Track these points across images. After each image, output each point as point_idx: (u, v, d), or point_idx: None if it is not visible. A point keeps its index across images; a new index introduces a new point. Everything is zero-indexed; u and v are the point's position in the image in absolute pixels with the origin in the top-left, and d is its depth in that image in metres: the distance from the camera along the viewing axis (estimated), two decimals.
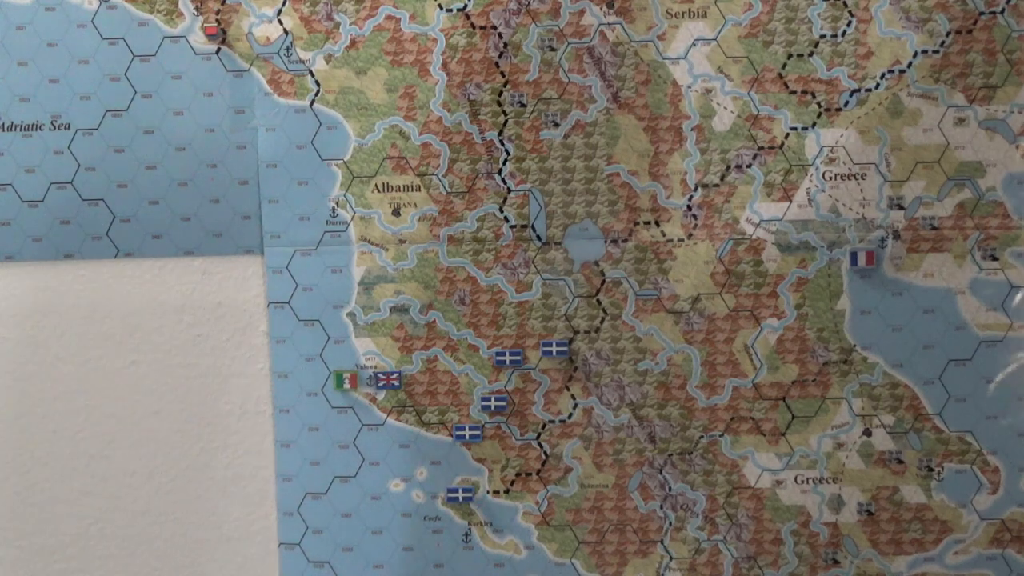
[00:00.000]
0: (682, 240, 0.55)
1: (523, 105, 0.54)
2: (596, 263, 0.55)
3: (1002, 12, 0.53)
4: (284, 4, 0.54)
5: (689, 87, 0.54)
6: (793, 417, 0.55)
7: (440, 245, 0.55)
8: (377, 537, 0.56)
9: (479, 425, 0.56)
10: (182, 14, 0.54)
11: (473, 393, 0.56)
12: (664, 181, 0.54)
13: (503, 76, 0.54)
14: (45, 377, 0.57)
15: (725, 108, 0.54)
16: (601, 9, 0.54)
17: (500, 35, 0.54)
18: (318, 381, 0.56)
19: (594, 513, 0.56)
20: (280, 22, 0.54)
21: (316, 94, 0.55)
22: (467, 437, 0.56)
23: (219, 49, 0.54)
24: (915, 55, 0.53)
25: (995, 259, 0.54)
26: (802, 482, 0.55)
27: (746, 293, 0.55)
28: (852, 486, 0.55)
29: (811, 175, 0.54)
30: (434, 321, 0.55)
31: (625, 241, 0.55)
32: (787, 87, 0.54)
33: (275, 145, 0.55)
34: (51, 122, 0.55)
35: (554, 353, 0.55)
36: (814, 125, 0.54)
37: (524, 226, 0.55)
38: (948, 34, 0.53)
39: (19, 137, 0.55)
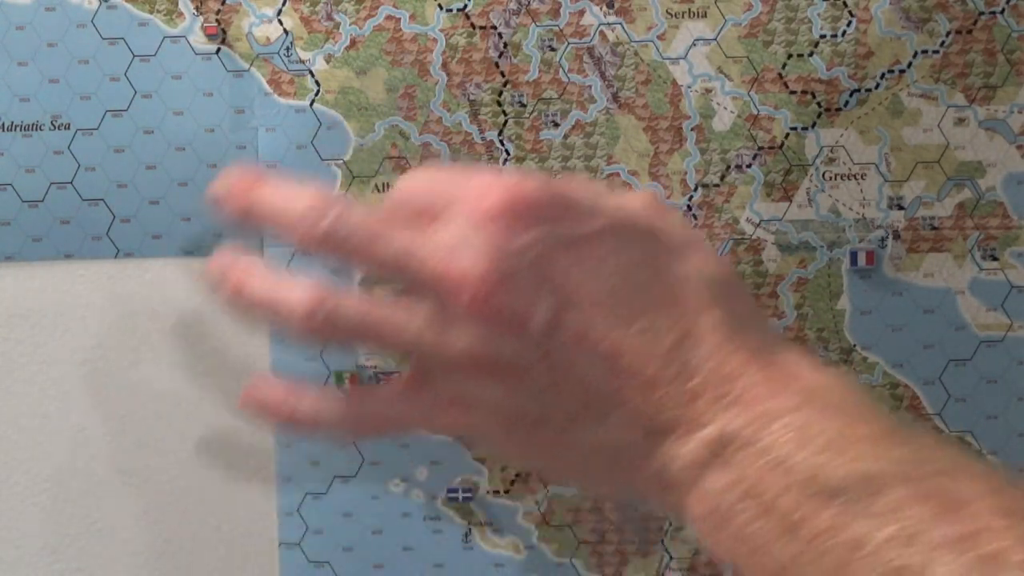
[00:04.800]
0: None
1: (523, 105, 0.54)
2: None
3: (1002, 12, 0.53)
4: (284, 4, 0.54)
5: (689, 87, 0.54)
6: None
7: None
8: (377, 537, 0.56)
9: None
10: (182, 14, 0.54)
11: None
12: (664, 181, 0.54)
13: (503, 76, 0.54)
14: (45, 377, 0.57)
15: (725, 108, 0.54)
16: (601, 9, 0.54)
17: (500, 35, 0.54)
18: (318, 381, 0.56)
19: (594, 513, 0.56)
20: (280, 22, 0.54)
21: (316, 94, 0.55)
22: None
23: (219, 49, 0.55)
24: (915, 55, 0.53)
25: (995, 259, 0.54)
26: None
27: None
28: None
29: (811, 175, 0.54)
30: None
31: None
32: (787, 87, 0.54)
33: (275, 145, 0.55)
34: (51, 122, 0.55)
35: None
36: (814, 125, 0.54)
37: None
38: (948, 34, 0.53)
39: (19, 137, 0.55)
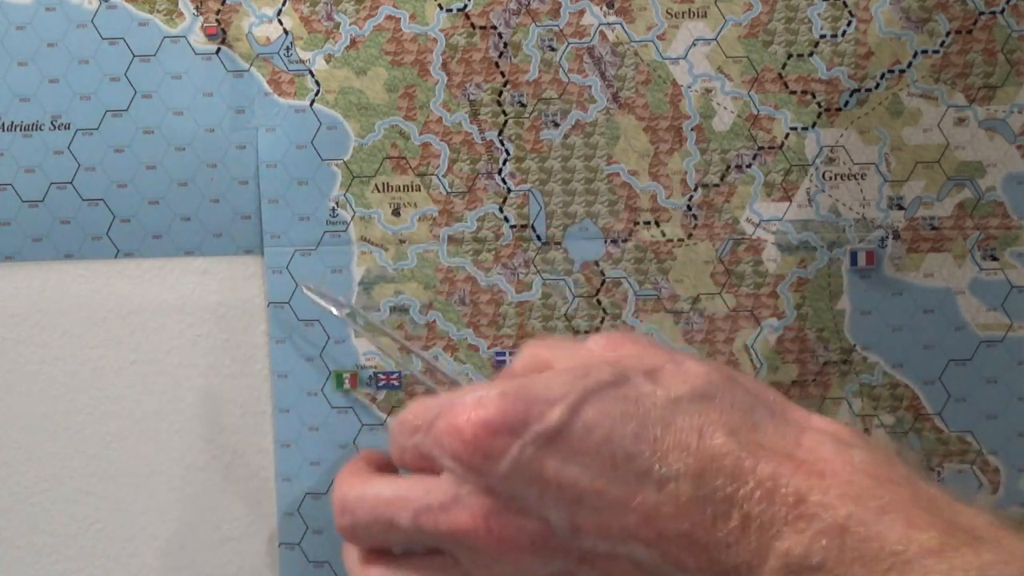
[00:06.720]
0: (682, 240, 0.55)
1: (523, 105, 0.54)
2: (596, 263, 0.55)
3: (1002, 12, 0.53)
4: (284, 4, 0.54)
5: (689, 87, 0.54)
6: None
7: (440, 245, 0.55)
8: None
9: None
10: (182, 14, 0.54)
11: None
12: (664, 181, 0.54)
13: (503, 76, 0.54)
14: (45, 377, 0.57)
15: (725, 108, 0.54)
16: (601, 9, 0.54)
17: (500, 35, 0.54)
18: (318, 381, 0.56)
19: None
20: (280, 22, 0.54)
21: (316, 94, 0.55)
22: None
23: (219, 49, 0.55)
24: (915, 55, 0.53)
25: (995, 259, 0.54)
26: None
27: (746, 293, 0.55)
28: None
29: (811, 175, 0.54)
30: (434, 321, 0.55)
31: (625, 241, 0.55)
32: (787, 87, 0.54)
33: (275, 145, 0.55)
34: (51, 122, 0.55)
35: None
36: (814, 125, 0.54)
37: (524, 226, 0.55)
38: (948, 34, 0.53)
39: (19, 137, 0.55)
